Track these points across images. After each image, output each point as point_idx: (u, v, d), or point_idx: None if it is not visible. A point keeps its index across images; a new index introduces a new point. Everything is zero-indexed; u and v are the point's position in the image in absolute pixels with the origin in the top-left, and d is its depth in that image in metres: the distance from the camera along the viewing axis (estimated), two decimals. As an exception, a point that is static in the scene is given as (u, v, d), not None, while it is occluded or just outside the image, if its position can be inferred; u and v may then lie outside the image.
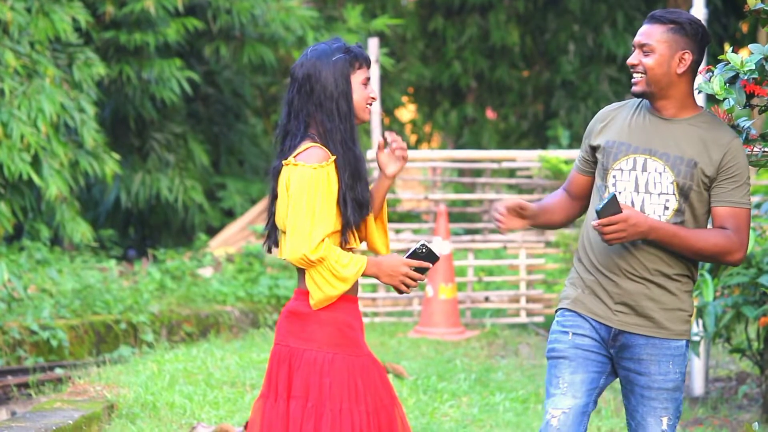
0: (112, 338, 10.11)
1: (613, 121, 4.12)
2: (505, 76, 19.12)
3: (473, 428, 6.84)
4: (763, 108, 4.33)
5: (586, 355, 4.06)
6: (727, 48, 4.25)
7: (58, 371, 8.93)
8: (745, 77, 4.13)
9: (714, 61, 4.54)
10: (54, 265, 11.40)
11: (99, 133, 12.43)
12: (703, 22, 4.36)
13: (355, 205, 3.91)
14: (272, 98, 17.26)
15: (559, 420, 4.01)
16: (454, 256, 11.05)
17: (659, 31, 3.99)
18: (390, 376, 7.87)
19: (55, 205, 11.97)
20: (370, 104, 4.01)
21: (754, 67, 4.12)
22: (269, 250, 4.04)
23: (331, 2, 16.48)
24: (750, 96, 4.14)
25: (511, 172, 13.62)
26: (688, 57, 3.99)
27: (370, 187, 4.03)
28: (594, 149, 4.13)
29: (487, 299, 11.15)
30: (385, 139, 4.07)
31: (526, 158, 11.48)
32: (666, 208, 4.00)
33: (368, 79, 3.99)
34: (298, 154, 3.89)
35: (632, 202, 4.01)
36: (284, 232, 3.93)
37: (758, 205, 7.23)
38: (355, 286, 3.96)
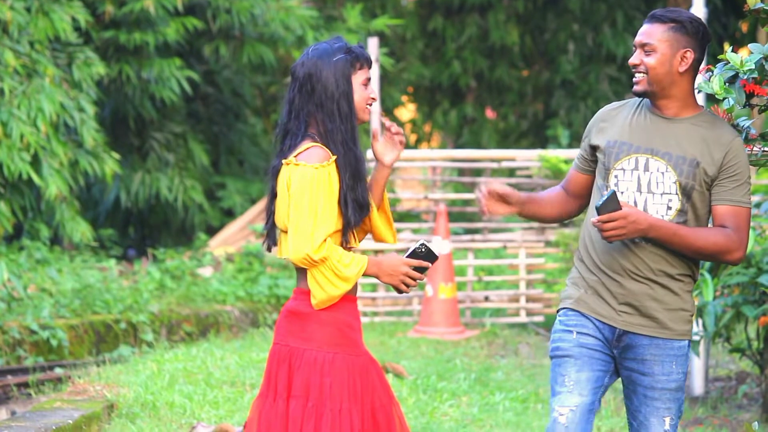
0: (111, 338, 10.11)
1: (614, 121, 4.11)
2: (505, 76, 19.12)
3: (473, 428, 6.84)
4: (762, 107, 4.33)
5: (591, 354, 4.06)
6: (727, 47, 4.26)
7: (58, 371, 8.93)
8: (745, 77, 4.12)
9: (714, 60, 4.54)
10: (54, 264, 11.40)
11: (99, 133, 12.43)
12: (705, 23, 4.35)
13: (356, 205, 3.91)
14: (272, 98, 17.27)
15: (567, 418, 4.00)
16: (453, 256, 11.06)
17: (660, 30, 3.99)
18: (390, 376, 7.88)
19: (54, 204, 11.97)
20: (370, 105, 4.01)
21: (753, 66, 4.12)
22: (269, 249, 4.04)
23: (330, 2, 16.48)
24: (750, 95, 4.14)
25: (511, 172, 13.62)
26: (690, 55, 3.99)
27: (369, 178, 4.03)
28: (594, 148, 4.13)
29: (486, 299, 11.15)
30: (382, 125, 4.06)
31: (525, 158, 11.48)
32: (669, 208, 3.99)
33: (369, 79, 3.99)
34: (298, 153, 3.89)
35: (635, 202, 4.00)
36: (284, 232, 3.93)
37: (758, 205, 7.23)
38: (355, 285, 3.97)
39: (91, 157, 12.36)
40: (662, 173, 3.99)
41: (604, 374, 4.08)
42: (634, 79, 4.04)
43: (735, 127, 4.14)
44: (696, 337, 7.33)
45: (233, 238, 14.00)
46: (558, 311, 4.17)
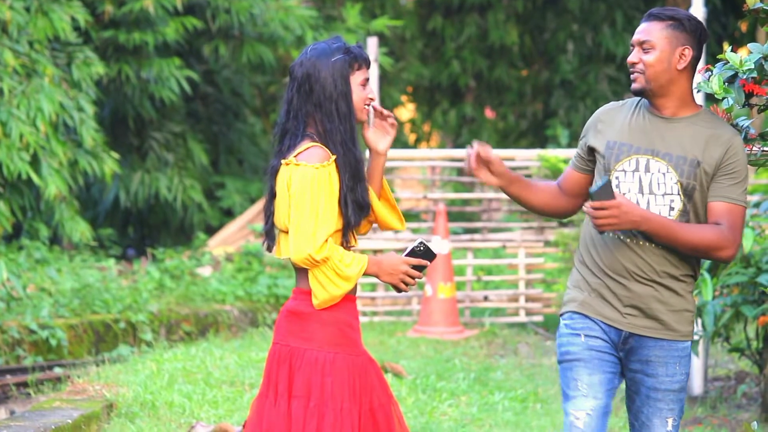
0: (111, 337, 10.11)
1: (613, 122, 4.10)
2: (504, 76, 19.12)
3: (472, 427, 6.84)
4: (761, 107, 4.33)
5: (601, 356, 4.03)
6: (726, 47, 4.26)
7: (57, 370, 8.93)
8: (744, 76, 4.12)
9: (713, 60, 4.54)
10: (53, 264, 11.41)
11: (98, 133, 12.43)
12: (702, 21, 4.35)
13: (356, 206, 3.92)
14: (271, 97, 17.27)
15: (584, 422, 3.98)
16: (453, 255, 11.06)
17: (658, 27, 3.99)
18: (389, 376, 7.88)
19: (54, 204, 11.97)
20: (369, 105, 4.01)
21: (753, 66, 4.12)
22: (269, 249, 4.04)
23: (329, 1, 16.48)
24: (749, 95, 4.14)
25: (510, 172, 13.60)
26: (688, 53, 3.99)
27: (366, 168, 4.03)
28: (591, 150, 4.12)
29: (486, 298, 11.15)
30: (374, 109, 4.04)
31: (525, 157, 11.49)
32: (671, 208, 3.98)
33: (367, 80, 3.99)
34: (298, 153, 3.89)
35: (637, 204, 3.98)
36: (284, 232, 3.93)
37: (757, 204, 7.22)
38: (355, 285, 3.97)
39: (90, 156, 12.36)
40: (663, 174, 3.98)
41: (614, 376, 4.06)
42: (632, 77, 4.03)
43: (734, 126, 4.14)
44: (695, 337, 7.33)
45: (232, 237, 14.00)
46: (562, 315, 4.15)
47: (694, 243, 3.92)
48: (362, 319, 10.38)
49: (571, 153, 11.26)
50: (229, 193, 15.27)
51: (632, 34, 4.06)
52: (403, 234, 11.45)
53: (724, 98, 4.15)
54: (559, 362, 4.11)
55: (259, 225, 13.39)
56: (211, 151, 15.76)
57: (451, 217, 12.43)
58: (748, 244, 6.73)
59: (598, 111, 4.18)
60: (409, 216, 12.89)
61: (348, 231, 3.93)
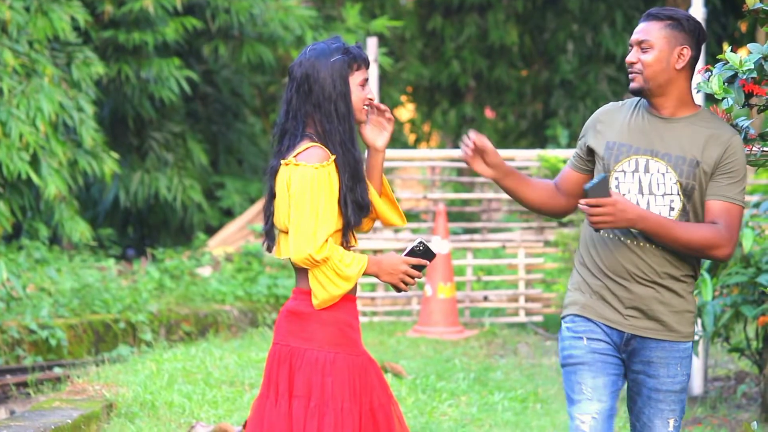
0: (110, 337, 10.11)
1: (612, 122, 4.09)
2: (504, 76, 19.12)
3: (472, 427, 6.84)
4: (761, 107, 4.33)
5: (604, 359, 4.03)
6: (726, 47, 4.26)
7: (57, 370, 8.93)
8: (744, 77, 4.12)
9: (713, 60, 4.54)
10: (53, 264, 11.41)
11: (98, 133, 12.43)
12: (702, 22, 4.35)
13: (355, 206, 3.92)
14: (271, 97, 17.27)
15: (590, 425, 3.98)
16: (452, 256, 11.06)
17: (657, 27, 3.99)
18: (389, 376, 7.87)
19: (53, 204, 11.97)
20: (368, 105, 4.01)
21: (752, 66, 4.12)
22: (269, 249, 4.05)
23: (329, 1, 16.48)
24: (749, 95, 4.14)
25: (510, 172, 13.60)
26: (687, 52, 3.99)
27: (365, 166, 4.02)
28: (590, 150, 4.11)
29: (485, 298, 11.15)
30: (371, 104, 4.02)
31: (524, 157, 11.49)
32: (672, 209, 3.98)
33: (366, 80, 3.99)
34: (298, 153, 3.89)
35: (637, 204, 3.98)
36: (284, 232, 3.93)
37: (757, 204, 7.22)
38: (355, 285, 3.97)
39: (90, 156, 12.36)
40: (663, 174, 3.98)
41: (618, 378, 4.06)
42: (630, 77, 4.03)
43: (734, 127, 4.14)
44: (695, 337, 7.33)
45: (232, 237, 14.00)
46: (563, 317, 4.14)
47: (690, 241, 3.92)
48: (362, 319, 10.38)
49: (571, 153, 11.24)
50: (228, 193, 15.28)
51: (632, 34, 4.06)
52: (403, 234, 11.45)
53: (723, 98, 4.15)
54: (563, 366, 4.10)
55: (259, 225, 13.39)
56: (210, 151, 15.76)
57: (451, 217, 12.43)
58: (748, 244, 6.73)
59: (597, 111, 4.18)
60: (409, 216, 12.89)
61: (348, 231, 3.93)
